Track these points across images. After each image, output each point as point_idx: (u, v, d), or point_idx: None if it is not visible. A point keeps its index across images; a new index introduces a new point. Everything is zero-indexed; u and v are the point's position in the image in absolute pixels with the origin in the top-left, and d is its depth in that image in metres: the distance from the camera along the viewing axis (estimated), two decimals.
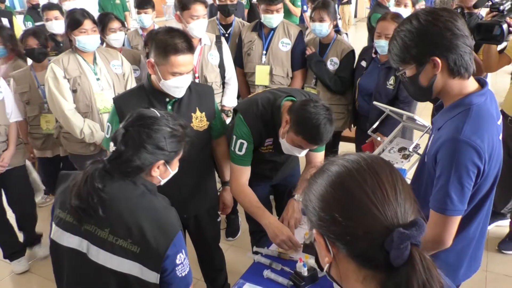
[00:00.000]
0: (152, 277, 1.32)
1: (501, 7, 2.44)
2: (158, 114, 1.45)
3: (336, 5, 6.85)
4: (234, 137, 2.08)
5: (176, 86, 1.94)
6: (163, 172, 1.47)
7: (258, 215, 2.04)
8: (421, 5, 4.41)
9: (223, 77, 3.09)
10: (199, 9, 2.79)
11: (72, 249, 1.37)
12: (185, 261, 1.38)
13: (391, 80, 2.83)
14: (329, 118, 1.81)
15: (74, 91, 2.72)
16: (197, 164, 2.12)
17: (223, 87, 3.13)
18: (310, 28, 3.49)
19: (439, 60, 1.32)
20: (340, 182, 0.78)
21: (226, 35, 3.52)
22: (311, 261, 1.78)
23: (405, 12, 3.44)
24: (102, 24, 3.17)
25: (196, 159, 2.07)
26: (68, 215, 1.39)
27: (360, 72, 3.01)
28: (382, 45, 2.76)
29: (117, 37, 3.22)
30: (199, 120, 2.10)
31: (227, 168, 2.30)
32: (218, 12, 3.54)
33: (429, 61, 1.33)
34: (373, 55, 2.93)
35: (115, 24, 3.22)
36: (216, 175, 2.42)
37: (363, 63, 3.01)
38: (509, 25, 2.32)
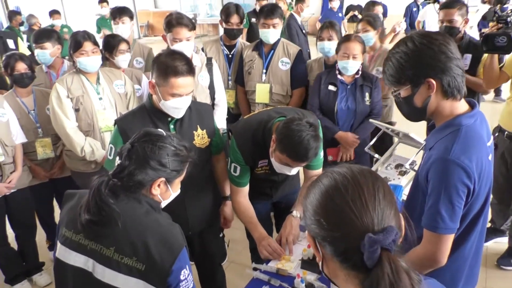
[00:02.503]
0: None
1: (508, 19, 2.59)
2: (164, 133, 1.50)
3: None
4: (229, 159, 2.17)
5: (175, 107, 1.99)
6: (164, 192, 1.48)
7: (251, 229, 2.18)
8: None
9: (212, 98, 3.12)
10: (181, 32, 2.80)
11: (78, 268, 1.39)
12: (189, 277, 1.40)
13: (367, 97, 2.92)
14: (313, 135, 1.83)
15: (76, 110, 2.78)
16: (200, 180, 2.17)
17: (213, 109, 3.13)
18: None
19: (434, 82, 1.36)
20: (326, 191, 0.89)
21: (230, 55, 3.59)
22: (309, 277, 1.81)
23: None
24: (112, 45, 3.19)
25: (199, 176, 2.11)
26: (74, 234, 1.40)
27: (331, 98, 2.97)
28: (350, 65, 2.82)
29: (125, 58, 3.23)
30: (200, 138, 2.14)
31: (226, 183, 2.35)
32: (223, 34, 3.62)
33: (424, 82, 1.37)
34: (339, 77, 2.94)
35: (124, 46, 3.22)
36: None
37: (332, 88, 2.97)
38: None
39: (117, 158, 1.44)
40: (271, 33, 3.25)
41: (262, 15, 3.25)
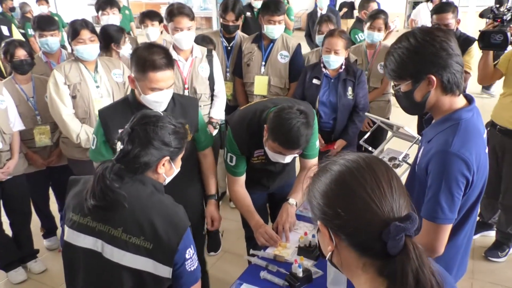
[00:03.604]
0: (165, 271, 1.38)
1: (504, 17, 2.66)
2: (161, 113, 1.53)
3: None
4: (225, 149, 2.21)
5: (156, 100, 1.98)
6: (168, 170, 1.53)
7: (248, 218, 2.21)
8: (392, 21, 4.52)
9: (212, 89, 3.13)
10: (182, 22, 2.81)
11: (87, 249, 1.42)
12: (193, 256, 1.44)
13: (349, 91, 2.99)
14: (304, 122, 1.85)
15: (73, 97, 2.79)
16: (182, 176, 2.15)
17: (212, 100, 3.16)
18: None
19: (434, 78, 1.39)
20: (342, 180, 0.86)
21: (229, 47, 3.63)
22: (306, 262, 1.85)
23: (379, 36, 3.48)
24: (119, 37, 3.27)
25: (180, 171, 2.10)
26: (82, 217, 1.43)
27: (314, 91, 3.04)
28: (332, 60, 2.90)
29: (127, 48, 3.32)
30: None
31: (212, 181, 2.35)
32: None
33: (425, 78, 1.40)
34: (324, 70, 3.01)
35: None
36: None
37: (316, 81, 3.04)
38: None
39: (119, 143, 1.45)
40: (276, 29, 3.31)
41: (268, 12, 3.26)
